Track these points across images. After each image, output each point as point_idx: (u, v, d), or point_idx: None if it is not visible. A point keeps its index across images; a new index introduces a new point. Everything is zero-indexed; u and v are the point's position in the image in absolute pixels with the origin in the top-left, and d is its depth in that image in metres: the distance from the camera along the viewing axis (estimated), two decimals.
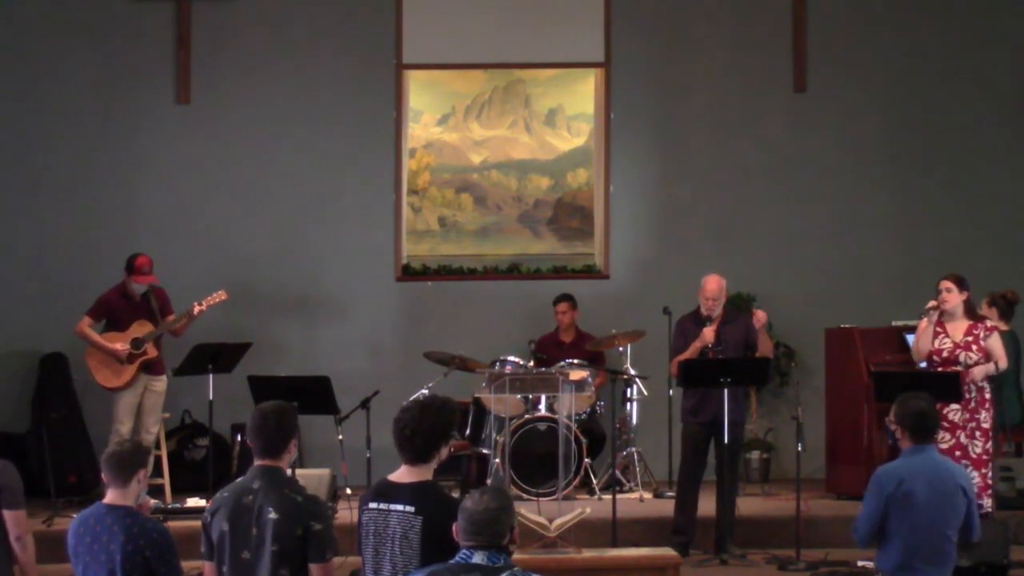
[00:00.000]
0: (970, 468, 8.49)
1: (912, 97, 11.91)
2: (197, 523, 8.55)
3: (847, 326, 10.43)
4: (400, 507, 4.95)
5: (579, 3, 11.83)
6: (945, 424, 8.49)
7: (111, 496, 5.62)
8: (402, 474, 5.07)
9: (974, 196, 11.87)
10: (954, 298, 8.74)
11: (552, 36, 11.79)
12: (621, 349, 10.66)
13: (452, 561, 4.34)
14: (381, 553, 4.97)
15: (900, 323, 10.33)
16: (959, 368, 8.65)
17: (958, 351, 8.69)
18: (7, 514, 6.38)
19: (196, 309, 9.81)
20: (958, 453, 8.54)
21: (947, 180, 11.88)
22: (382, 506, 5.00)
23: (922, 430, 6.25)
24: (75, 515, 5.75)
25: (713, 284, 9.09)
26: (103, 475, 5.65)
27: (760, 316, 9.14)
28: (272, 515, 5.08)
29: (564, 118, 12.03)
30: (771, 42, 11.83)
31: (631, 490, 10.39)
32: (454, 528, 4.40)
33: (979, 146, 11.91)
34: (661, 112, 11.87)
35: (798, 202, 11.83)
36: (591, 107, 11.97)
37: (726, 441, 8.82)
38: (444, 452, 5.09)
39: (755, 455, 11.14)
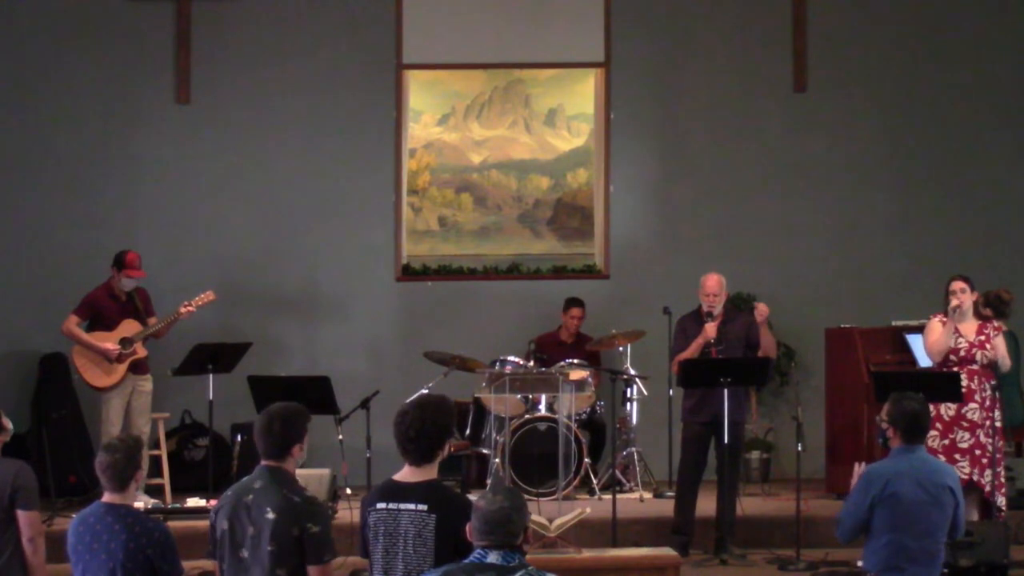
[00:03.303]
0: (987, 465, 8.62)
1: (912, 97, 11.91)
2: (197, 523, 8.68)
3: (847, 326, 10.44)
4: (412, 506, 4.97)
5: (579, 3, 11.83)
6: (964, 424, 8.74)
7: (110, 496, 5.62)
8: (408, 474, 5.08)
9: (974, 196, 11.88)
10: (967, 298, 8.88)
11: (552, 36, 11.79)
12: (621, 349, 10.66)
13: (466, 560, 4.35)
14: (392, 553, 4.98)
15: (900, 323, 10.33)
16: (975, 367, 8.74)
17: (974, 350, 8.82)
18: (21, 515, 6.38)
19: (184, 310, 9.81)
20: (978, 452, 8.66)
21: (947, 180, 11.89)
22: (391, 506, 5.01)
23: (914, 431, 6.26)
24: (74, 515, 5.74)
25: (712, 281, 9.13)
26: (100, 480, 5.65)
27: (762, 309, 9.14)
28: (270, 515, 5.09)
29: (564, 118, 12.03)
30: (771, 42, 11.83)
31: (631, 490, 10.39)
32: (468, 528, 4.40)
33: (979, 146, 11.91)
34: (661, 112, 11.88)
35: (798, 202, 11.83)
36: (591, 107, 11.97)
37: (727, 441, 8.83)
38: (446, 449, 5.12)
39: (755, 455, 11.14)
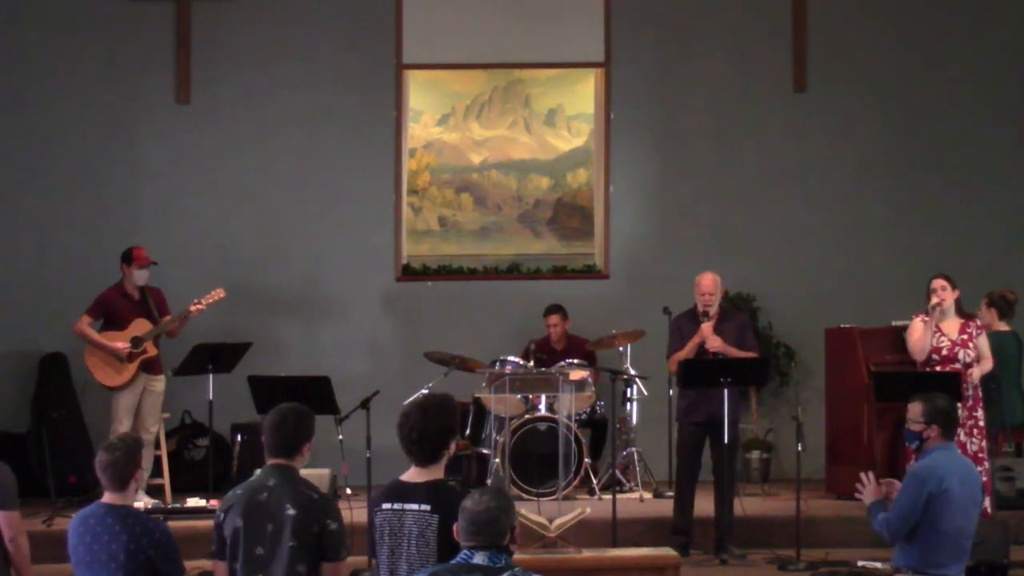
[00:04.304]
0: None
1: (912, 97, 11.91)
2: (197, 523, 8.68)
3: (847, 326, 10.43)
4: (415, 506, 4.99)
5: (579, 3, 11.83)
6: None
7: (110, 496, 5.61)
8: (413, 474, 5.10)
9: (974, 196, 11.87)
10: (949, 296, 8.89)
11: (552, 36, 11.79)
12: (621, 349, 10.66)
13: (453, 561, 4.36)
14: (397, 554, 5.01)
15: (900, 323, 10.30)
16: (958, 366, 8.75)
17: (957, 348, 8.82)
18: (1, 515, 6.35)
19: (194, 308, 9.82)
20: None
21: (947, 180, 11.89)
22: (396, 506, 5.03)
23: (952, 425, 6.41)
24: (74, 515, 5.73)
25: (708, 280, 9.12)
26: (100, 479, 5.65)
27: (712, 337, 9.06)
28: (290, 511, 5.13)
29: (564, 118, 12.03)
30: (771, 42, 11.83)
31: (631, 490, 10.39)
32: (455, 528, 4.41)
33: (979, 146, 11.91)
34: (661, 112, 11.88)
35: (798, 202, 11.83)
36: (591, 107, 11.97)
37: (725, 441, 8.83)
38: (451, 448, 5.13)
39: (755, 455, 11.14)
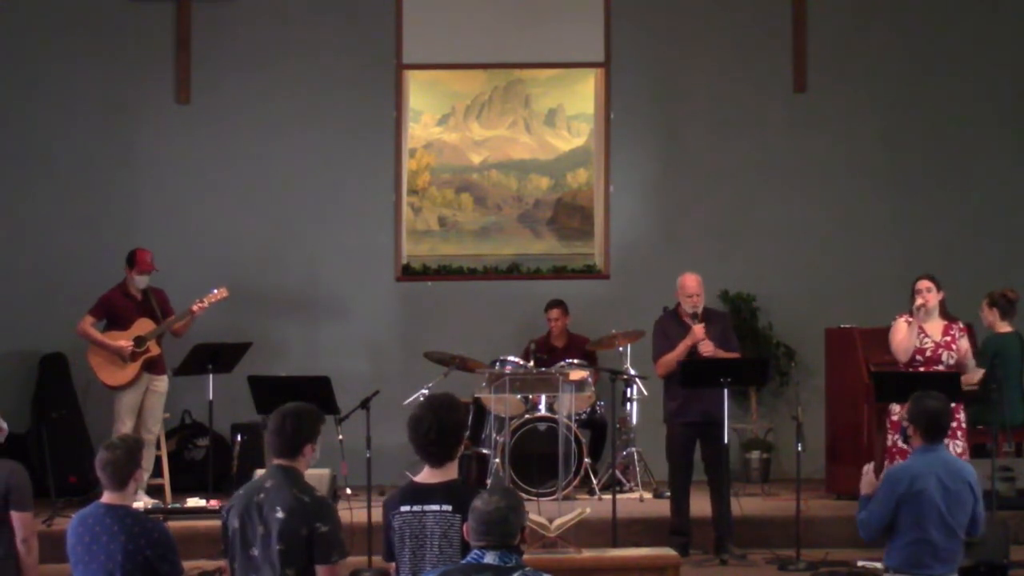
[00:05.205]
0: None
1: (912, 97, 11.91)
2: (197, 523, 8.69)
3: (847, 326, 10.43)
4: (436, 507, 5.00)
5: (579, 3, 11.83)
6: None
7: (109, 496, 5.61)
8: (428, 475, 5.11)
9: (974, 196, 11.87)
10: (933, 297, 8.88)
11: (552, 36, 11.79)
12: (621, 349, 10.66)
13: (464, 561, 4.36)
14: (419, 555, 5.01)
15: None
16: (940, 367, 8.77)
17: (940, 350, 8.81)
18: (15, 515, 6.36)
19: (197, 307, 9.82)
20: None
21: (947, 180, 11.89)
22: (415, 508, 5.03)
23: (934, 430, 6.35)
24: (74, 515, 5.74)
25: (692, 281, 9.10)
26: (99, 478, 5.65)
27: (706, 341, 9.06)
28: (279, 514, 5.13)
29: (564, 118, 12.03)
30: (771, 42, 11.84)
31: (631, 490, 10.40)
32: (464, 528, 4.41)
33: (979, 146, 11.91)
34: (661, 112, 11.88)
35: (798, 202, 11.83)
36: (591, 107, 11.97)
37: (724, 441, 8.83)
38: (462, 447, 5.16)
39: (755, 455, 11.14)
